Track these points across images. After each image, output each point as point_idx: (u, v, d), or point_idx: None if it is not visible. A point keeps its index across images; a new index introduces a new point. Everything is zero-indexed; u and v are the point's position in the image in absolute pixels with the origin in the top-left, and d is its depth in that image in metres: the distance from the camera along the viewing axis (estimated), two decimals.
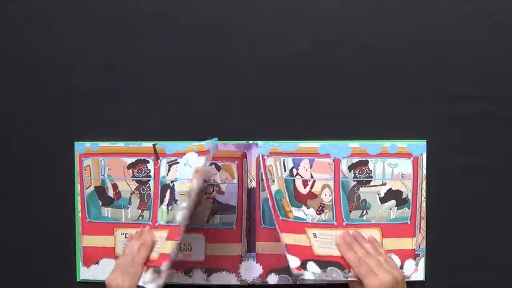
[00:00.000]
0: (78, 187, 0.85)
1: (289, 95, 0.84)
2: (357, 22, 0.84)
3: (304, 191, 0.84)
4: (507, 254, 0.84)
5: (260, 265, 0.84)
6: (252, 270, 0.84)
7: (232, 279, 0.83)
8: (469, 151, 0.84)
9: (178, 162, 0.84)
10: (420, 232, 0.84)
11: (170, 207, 0.82)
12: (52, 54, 0.86)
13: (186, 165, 0.83)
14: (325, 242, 0.81)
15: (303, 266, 0.76)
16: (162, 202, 0.84)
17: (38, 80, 0.86)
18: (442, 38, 0.84)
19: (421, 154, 0.83)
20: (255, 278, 0.84)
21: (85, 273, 0.85)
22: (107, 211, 0.85)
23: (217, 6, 0.85)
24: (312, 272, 0.76)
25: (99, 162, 0.85)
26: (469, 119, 0.84)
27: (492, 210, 0.84)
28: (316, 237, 0.82)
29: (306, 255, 0.78)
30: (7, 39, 0.86)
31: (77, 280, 0.85)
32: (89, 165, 0.85)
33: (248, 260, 0.84)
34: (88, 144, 0.85)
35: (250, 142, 0.84)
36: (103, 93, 0.85)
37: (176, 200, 0.81)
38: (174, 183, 0.83)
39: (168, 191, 0.83)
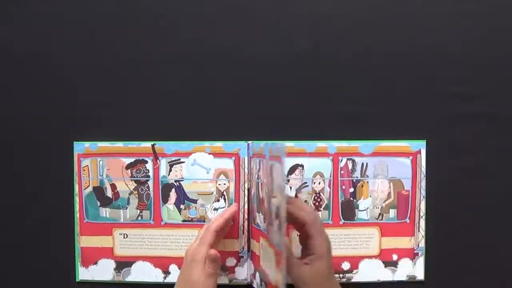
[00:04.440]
0: (76, 188, 0.85)
1: (289, 95, 0.84)
2: (357, 22, 0.84)
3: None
4: (507, 254, 0.85)
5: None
6: (247, 267, 0.84)
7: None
8: (469, 151, 0.84)
9: (181, 162, 0.84)
10: (419, 231, 0.84)
11: (183, 206, 0.84)
12: (52, 54, 0.85)
13: (195, 165, 0.83)
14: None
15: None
16: (165, 201, 0.84)
17: (38, 80, 0.85)
18: (442, 38, 0.84)
19: (420, 154, 0.84)
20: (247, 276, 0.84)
21: (83, 273, 0.85)
22: (105, 211, 0.85)
23: (217, 6, 0.84)
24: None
25: (98, 162, 0.84)
26: (469, 119, 0.84)
27: (492, 210, 0.84)
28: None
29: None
30: (6, 39, 0.86)
31: (76, 280, 0.85)
32: (87, 165, 0.85)
33: (245, 256, 0.84)
34: (87, 144, 0.85)
35: (249, 142, 0.84)
36: (103, 93, 0.85)
37: (192, 199, 0.84)
38: (181, 182, 0.84)
39: (173, 190, 0.84)
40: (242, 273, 0.84)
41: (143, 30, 0.85)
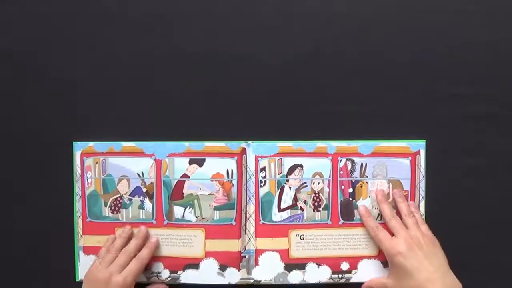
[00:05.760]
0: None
1: (289, 95, 0.84)
2: (357, 22, 0.84)
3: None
4: (508, 254, 0.84)
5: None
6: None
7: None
8: (469, 151, 0.84)
9: None
10: None
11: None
12: (52, 54, 0.85)
13: None
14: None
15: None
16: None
17: (38, 80, 0.86)
18: (442, 38, 0.84)
19: (419, 154, 0.84)
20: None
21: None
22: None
23: (217, 5, 0.84)
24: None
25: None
26: (469, 119, 0.84)
27: (492, 210, 0.84)
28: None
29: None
30: (6, 39, 0.86)
31: (76, 280, 0.85)
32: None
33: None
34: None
35: (249, 142, 0.84)
36: (103, 93, 0.85)
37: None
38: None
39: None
40: (246, 273, 0.84)
41: (143, 30, 0.85)
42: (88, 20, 0.85)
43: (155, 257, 0.83)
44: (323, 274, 0.84)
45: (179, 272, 0.84)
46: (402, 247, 0.76)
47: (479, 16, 0.84)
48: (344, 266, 0.84)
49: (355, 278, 0.84)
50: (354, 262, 0.84)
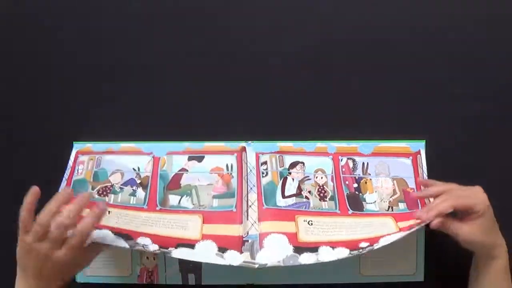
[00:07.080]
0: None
1: (289, 95, 0.84)
2: (357, 22, 0.84)
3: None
4: (508, 253, 0.84)
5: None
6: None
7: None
8: (469, 151, 0.84)
9: None
10: None
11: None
12: (52, 54, 0.86)
13: None
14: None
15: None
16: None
17: (38, 79, 0.86)
18: (442, 38, 0.84)
19: (420, 154, 0.83)
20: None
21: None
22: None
23: (217, 5, 0.84)
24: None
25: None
26: (469, 119, 0.84)
27: (492, 210, 0.84)
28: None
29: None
30: (6, 39, 0.86)
31: (75, 280, 0.85)
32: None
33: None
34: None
35: (249, 142, 0.84)
36: (103, 93, 0.85)
37: None
38: None
39: None
40: (249, 257, 0.74)
41: (142, 30, 0.85)
42: (88, 19, 0.85)
43: (141, 233, 0.73)
44: (340, 254, 0.72)
45: (170, 249, 0.71)
46: (486, 198, 0.72)
47: (479, 16, 0.84)
48: (364, 244, 0.72)
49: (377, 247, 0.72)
50: (373, 240, 0.72)
